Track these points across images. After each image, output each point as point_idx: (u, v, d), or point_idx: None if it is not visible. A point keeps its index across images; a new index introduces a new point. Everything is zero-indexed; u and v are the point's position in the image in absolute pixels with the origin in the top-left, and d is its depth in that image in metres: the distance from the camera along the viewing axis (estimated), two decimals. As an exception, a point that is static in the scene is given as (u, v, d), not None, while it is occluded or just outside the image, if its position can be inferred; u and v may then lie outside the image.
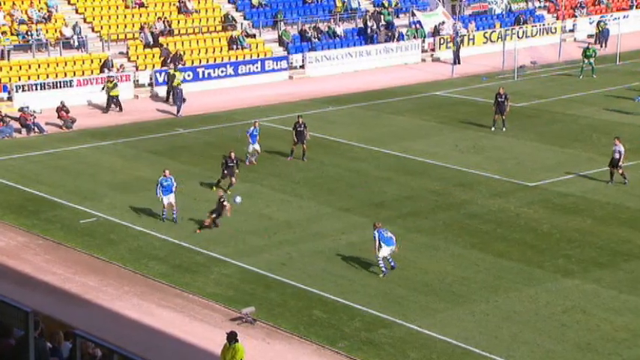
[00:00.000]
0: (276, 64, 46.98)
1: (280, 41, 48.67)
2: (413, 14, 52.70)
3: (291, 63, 47.55)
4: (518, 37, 52.72)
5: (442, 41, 51.66)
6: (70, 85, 41.19)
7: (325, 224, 26.86)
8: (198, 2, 48.91)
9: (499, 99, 36.06)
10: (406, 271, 23.61)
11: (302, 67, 47.89)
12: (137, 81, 43.46)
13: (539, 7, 57.72)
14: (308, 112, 40.32)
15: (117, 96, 40.41)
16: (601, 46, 53.31)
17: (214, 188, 28.88)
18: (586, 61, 45.81)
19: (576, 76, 45.88)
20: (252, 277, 23.38)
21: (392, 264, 23.35)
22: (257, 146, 32.16)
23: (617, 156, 29.44)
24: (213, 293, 22.39)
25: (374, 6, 52.96)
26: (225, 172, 29.19)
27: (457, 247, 25.08)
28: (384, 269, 23.14)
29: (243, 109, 40.78)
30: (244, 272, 23.67)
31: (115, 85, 40.38)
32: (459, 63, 49.02)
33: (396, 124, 38.25)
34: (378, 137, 35.83)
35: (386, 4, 52.79)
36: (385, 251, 23.10)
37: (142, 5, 47.35)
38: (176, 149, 34.64)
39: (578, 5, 58.08)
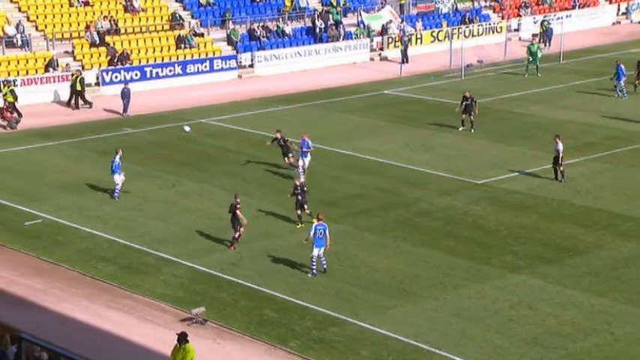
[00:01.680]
0: (225, 63, 46.79)
1: (229, 40, 48.49)
2: (360, 14, 52.95)
3: (240, 62, 47.40)
4: (465, 36, 53.25)
5: (390, 40, 52.01)
6: (14, 85, 40.42)
7: (275, 223, 26.84)
8: (145, 1, 48.46)
9: (465, 102, 36.00)
10: (356, 269, 23.73)
11: (251, 66, 47.78)
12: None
13: (485, 6, 58.44)
14: (257, 111, 40.29)
15: (13, 102, 37.96)
16: (545, 46, 54.13)
17: (300, 225, 26.21)
18: (531, 59, 46.45)
19: (522, 74, 46.55)
20: (202, 277, 23.27)
21: (324, 266, 23.31)
22: (307, 160, 29.86)
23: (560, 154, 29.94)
24: (162, 294, 22.23)
25: (322, 5, 53.08)
26: (299, 198, 26.30)
27: (407, 244, 25.27)
28: (313, 269, 23.20)
29: (191, 109, 40.53)
30: (194, 272, 23.54)
31: (12, 92, 38.15)
32: (407, 62, 49.39)
33: (345, 122, 38.37)
34: (328, 136, 35.89)
35: (334, 4, 52.94)
36: (314, 251, 23.16)
37: (87, 3, 46.73)
38: (123, 149, 34.20)
39: (523, 5, 58.95)
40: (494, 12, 58.33)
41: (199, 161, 32.83)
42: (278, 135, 30.95)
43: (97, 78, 43.15)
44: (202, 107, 40.87)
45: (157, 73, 44.67)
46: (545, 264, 23.97)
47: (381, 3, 54.27)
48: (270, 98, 42.58)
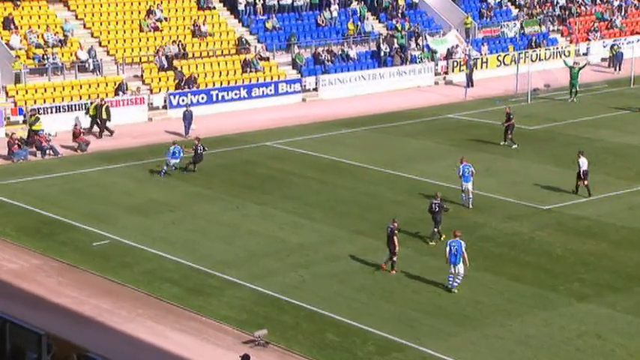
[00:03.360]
0: (290, 87, 47.14)
1: (294, 64, 48.88)
2: (425, 38, 52.87)
3: (305, 86, 47.69)
4: (532, 60, 52.67)
5: (455, 64, 51.75)
6: (85, 109, 41.36)
7: (338, 247, 26.80)
8: (212, 26, 49.23)
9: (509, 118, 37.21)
10: (419, 294, 23.52)
11: (315, 89, 48.04)
12: (151, 104, 43.69)
13: (553, 30, 57.72)
14: (321, 134, 40.42)
15: (39, 130, 37.81)
16: (615, 70, 53.22)
17: (432, 243, 26.66)
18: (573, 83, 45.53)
19: (566, 100, 45.68)
20: (265, 299, 23.32)
21: (453, 285, 23.43)
22: (469, 185, 29.68)
23: (585, 168, 30.34)
24: (226, 316, 22.32)
25: (387, 29, 53.16)
26: (436, 218, 26.80)
27: (471, 270, 24.86)
28: (450, 283, 23.41)
29: (256, 132, 40.86)
30: (257, 295, 23.61)
31: (37, 119, 38.22)
32: (472, 86, 49.04)
33: (409, 146, 38.22)
34: (392, 160, 35.79)
35: (399, 28, 52.98)
36: (451, 269, 23.34)
37: (156, 29, 47.70)
38: (189, 172, 34.69)
39: (592, 29, 58.08)
40: (562, 36, 57.58)
41: (263, 184, 33.03)
42: (197, 142, 34.39)
43: (165, 101, 43.92)
44: (267, 130, 41.15)
45: (222, 96, 45.22)
46: (615, 292, 23.41)
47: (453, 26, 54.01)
48: (334, 122, 42.68)
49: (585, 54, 56.39)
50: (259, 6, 51.05)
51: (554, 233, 27.56)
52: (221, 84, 45.90)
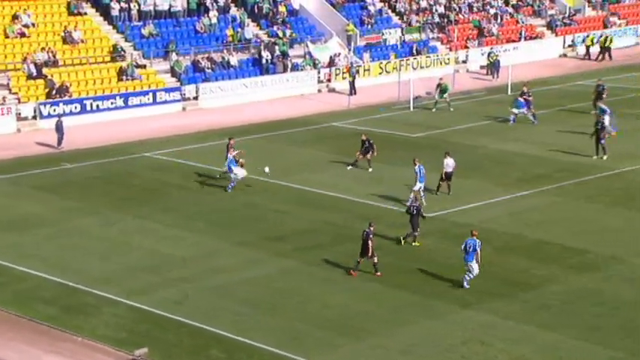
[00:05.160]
0: (169, 96, 46.05)
1: (173, 72, 47.77)
2: (307, 45, 52.74)
3: (184, 94, 46.69)
4: (413, 68, 53.33)
5: (338, 72, 51.83)
6: None
7: (221, 260, 26.20)
8: (85, 32, 47.54)
9: (364, 145, 35.27)
10: (306, 305, 23.17)
11: (196, 98, 47.11)
12: (19, 114, 41.73)
13: (433, 38, 58.68)
14: (202, 144, 39.59)
15: None
16: (493, 77, 54.48)
17: (403, 243, 27.04)
18: (442, 95, 45.94)
19: (430, 109, 46.22)
20: (145, 316, 22.53)
21: (465, 278, 24.07)
22: (420, 186, 30.16)
23: (449, 170, 31.47)
24: (104, 335, 21.40)
25: (269, 36, 52.74)
26: (411, 220, 26.91)
27: (357, 280, 24.76)
28: (465, 280, 24.11)
29: (134, 142, 39.63)
30: (137, 312, 22.78)
31: None
32: (355, 94, 49.18)
33: (293, 155, 37.87)
34: (276, 169, 35.24)
35: (281, 35, 52.65)
36: (466, 266, 24.02)
37: (23, 35, 45.63)
38: (62, 185, 33.32)
39: (470, 37, 59.34)
40: (442, 44, 58.59)
41: (141, 196, 32.03)
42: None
43: (35, 111, 42.06)
44: (145, 140, 40.03)
45: (97, 106, 43.70)
46: (497, 299, 23.63)
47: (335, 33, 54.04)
48: (216, 131, 41.89)
49: (464, 61, 57.54)
50: (134, 12, 49.70)
51: (437, 241, 27.69)
52: (95, 93, 44.35)
